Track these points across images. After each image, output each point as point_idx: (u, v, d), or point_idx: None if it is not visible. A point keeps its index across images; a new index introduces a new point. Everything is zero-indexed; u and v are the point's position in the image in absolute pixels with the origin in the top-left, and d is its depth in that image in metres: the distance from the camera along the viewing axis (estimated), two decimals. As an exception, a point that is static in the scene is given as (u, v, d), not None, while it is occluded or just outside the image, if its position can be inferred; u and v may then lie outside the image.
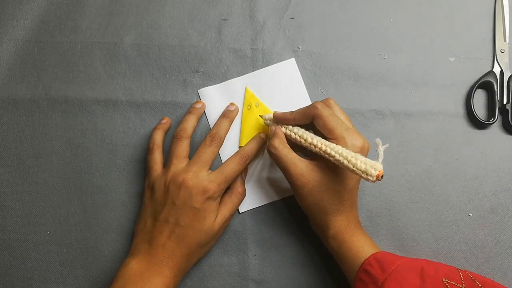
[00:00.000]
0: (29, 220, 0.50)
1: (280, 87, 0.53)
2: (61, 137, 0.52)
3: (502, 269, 0.49)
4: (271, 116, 0.49)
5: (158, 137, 0.50)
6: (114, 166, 0.51)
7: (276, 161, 0.46)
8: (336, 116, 0.44)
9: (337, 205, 0.44)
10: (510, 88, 0.52)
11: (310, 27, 0.54)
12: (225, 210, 0.47)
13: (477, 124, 0.52)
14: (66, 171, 0.51)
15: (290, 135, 0.47)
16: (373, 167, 0.39)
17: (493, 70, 0.53)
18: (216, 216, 0.47)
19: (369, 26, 0.54)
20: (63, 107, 0.52)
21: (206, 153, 0.48)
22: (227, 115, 0.51)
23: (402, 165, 0.51)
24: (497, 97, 0.52)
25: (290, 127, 0.47)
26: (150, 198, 0.48)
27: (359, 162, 0.40)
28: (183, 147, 0.49)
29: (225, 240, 0.49)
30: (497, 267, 0.49)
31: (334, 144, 0.42)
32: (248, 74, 0.53)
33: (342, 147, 0.42)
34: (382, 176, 0.39)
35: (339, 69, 0.53)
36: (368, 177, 0.39)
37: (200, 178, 0.46)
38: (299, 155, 0.45)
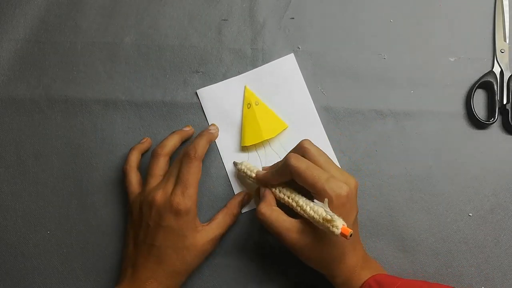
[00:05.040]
0: (29, 220, 0.50)
1: (280, 84, 0.53)
2: (61, 137, 0.52)
3: (502, 269, 0.49)
4: (250, 168, 0.47)
5: (133, 157, 0.49)
6: (114, 166, 0.51)
7: (267, 227, 0.43)
8: (313, 167, 0.41)
9: (339, 254, 0.42)
10: (510, 88, 0.52)
11: (310, 27, 0.54)
12: (215, 228, 0.46)
13: (477, 124, 0.52)
14: (66, 171, 0.51)
15: (280, 196, 0.44)
16: (335, 225, 0.38)
17: (493, 70, 0.53)
18: (201, 231, 0.45)
19: (369, 26, 0.54)
20: (63, 107, 0.52)
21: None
22: (205, 134, 0.48)
23: (402, 165, 0.51)
24: (497, 97, 0.52)
25: (279, 187, 0.45)
26: (129, 221, 0.47)
27: (321, 219, 0.39)
28: (159, 165, 0.47)
29: (225, 240, 0.49)
30: (497, 267, 0.49)
31: (304, 201, 0.41)
32: (247, 72, 0.53)
33: (326, 201, 0.39)
34: (351, 235, 0.38)
35: (339, 69, 0.53)
36: (333, 230, 0.38)
37: (168, 194, 0.44)
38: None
